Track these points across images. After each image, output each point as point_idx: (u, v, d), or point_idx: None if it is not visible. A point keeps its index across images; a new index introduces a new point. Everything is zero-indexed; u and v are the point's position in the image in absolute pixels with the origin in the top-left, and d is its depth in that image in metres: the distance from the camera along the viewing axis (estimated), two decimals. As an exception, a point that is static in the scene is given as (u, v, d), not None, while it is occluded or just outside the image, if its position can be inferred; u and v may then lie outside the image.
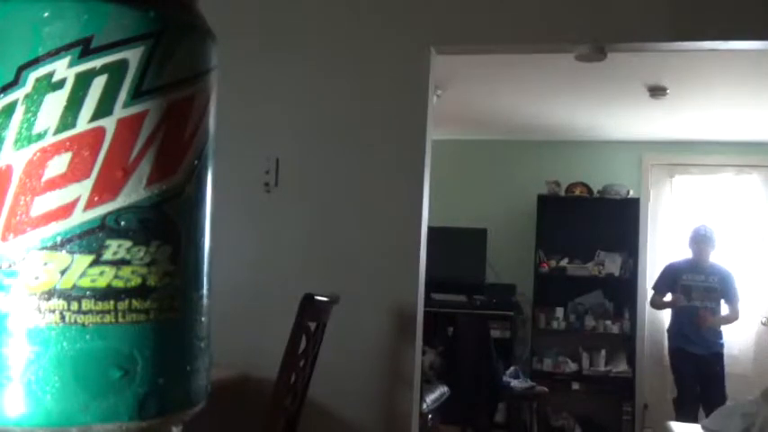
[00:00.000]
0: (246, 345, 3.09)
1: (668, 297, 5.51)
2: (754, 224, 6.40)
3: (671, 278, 5.51)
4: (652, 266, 6.36)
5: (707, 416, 4.83)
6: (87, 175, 0.48)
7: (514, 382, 5.68)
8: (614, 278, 6.46)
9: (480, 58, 4.24)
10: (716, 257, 5.53)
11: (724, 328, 5.46)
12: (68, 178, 0.48)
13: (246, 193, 3.30)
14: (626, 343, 6.44)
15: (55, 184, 0.48)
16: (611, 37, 3.18)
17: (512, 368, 5.89)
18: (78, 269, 0.48)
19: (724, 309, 5.44)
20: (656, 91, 5.02)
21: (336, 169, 3.28)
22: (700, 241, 5.44)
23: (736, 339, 6.25)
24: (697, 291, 5.36)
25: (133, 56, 0.50)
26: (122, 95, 0.49)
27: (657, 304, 5.71)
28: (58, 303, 0.48)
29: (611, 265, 6.50)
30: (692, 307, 5.31)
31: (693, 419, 5.03)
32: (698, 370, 5.29)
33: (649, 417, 6.35)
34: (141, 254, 0.49)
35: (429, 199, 3.27)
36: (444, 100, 5.19)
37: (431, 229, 3.34)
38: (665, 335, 5.84)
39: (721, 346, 5.39)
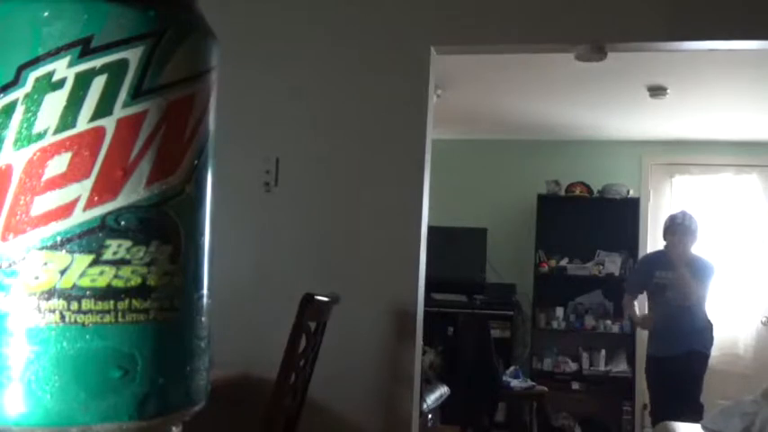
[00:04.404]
0: (246, 344, 3.08)
1: (638, 310, 4.92)
2: (754, 224, 6.40)
3: (645, 273, 4.74)
4: (652, 266, 6.36)
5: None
6: (87, 175, 0.48)
7: (514, 382, 5.67)
8: (614, 278, 6.45)
9: (480, 58, 4.23)
10: (699, 250, 4.70)
11: (716, 330, 4.75)
12: (68, 178, 0.48)
13: (246, 192, 3.30)
14: (626, 343, 6.43)
15: (55, 183, 0.48)
16: (611, 37, 3.18)
17: (512, 368, 5.89)
18: (78, 269, 0.48)
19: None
20: (656, 91, 5.02)
21: (336, 169, 3.28)
22: (676, 231, 4.57)
23: (736, 338, 6.27)
24: (672, 289, 4.52)
25: (133, 56, 0.49)
26: (122, 95, 0.49)
27: (626, 309, 4.92)
28: (57, 303, 0.48)
29: (611, 264, 6.49)
30: (665, 304, 4.57)
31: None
32: (671, 375, 4.53)
33: (649, 416, 6.35)
34: (141, 253, 0.49)
35: (429, 199, 3.26)
36: (444, 100, 5.19)
37: (431, 229, 3.33)
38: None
39: (703, 345, 4.58)
